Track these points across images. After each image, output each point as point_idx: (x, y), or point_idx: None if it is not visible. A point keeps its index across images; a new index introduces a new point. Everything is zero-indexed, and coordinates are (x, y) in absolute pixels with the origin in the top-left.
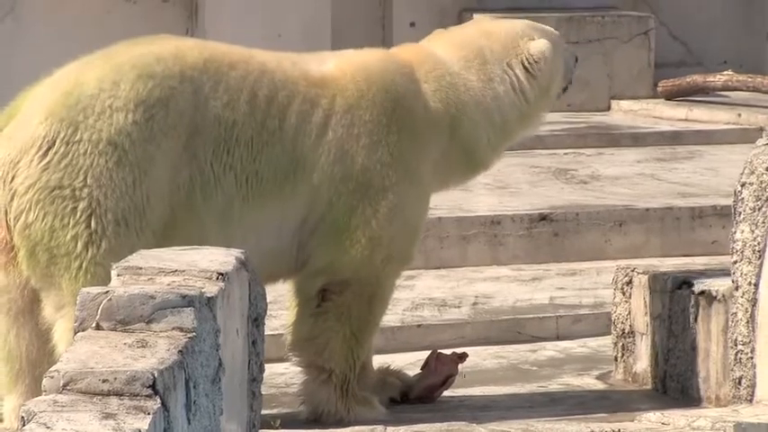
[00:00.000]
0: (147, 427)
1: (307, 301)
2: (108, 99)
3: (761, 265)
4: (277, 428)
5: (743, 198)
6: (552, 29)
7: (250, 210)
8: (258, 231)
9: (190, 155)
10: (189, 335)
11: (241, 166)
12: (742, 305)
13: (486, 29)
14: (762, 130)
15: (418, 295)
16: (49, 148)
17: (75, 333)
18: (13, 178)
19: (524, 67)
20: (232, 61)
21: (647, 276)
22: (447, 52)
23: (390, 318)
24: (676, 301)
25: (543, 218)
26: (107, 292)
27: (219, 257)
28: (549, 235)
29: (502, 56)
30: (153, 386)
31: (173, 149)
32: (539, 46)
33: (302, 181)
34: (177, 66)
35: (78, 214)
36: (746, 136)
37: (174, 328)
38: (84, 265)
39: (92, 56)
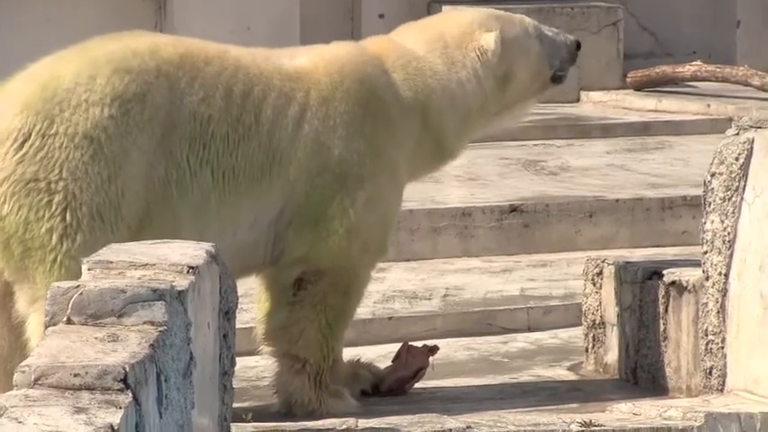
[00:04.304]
0: (118, 422)
1: (282, 290)
2: (84, 93)
3: (731, 256)
4: (249, 422)
5: (713, 188)
6: (523, 17)
7: (227, 204)
8: (234, 225)
9: (166, 150)
10: (160, 329)
11: (218, 161)
12: (712, 295)
13: (447, 15)
14: (731, 120)
15: (389, 287)
16: (24, 141)
17: (46, 327)
18: None
19: (477, 57)
20: (207, 57)
21: (617, 267)
22: (411, 38)
23: (361, 310)
24: (647, 292)
25: (513, 209)
26: (78, 286)
27: (190, 251)
28: (520, 226)
29: (460, 41)
30: (124, 380)
31: (148, 144)
32: (487, 39)
33: (279, 175)
34: (153, 61)
35: (53, 207)
36: (716, 126)
37: (145, 322)
38: (58, 259)
39: (66, 50)
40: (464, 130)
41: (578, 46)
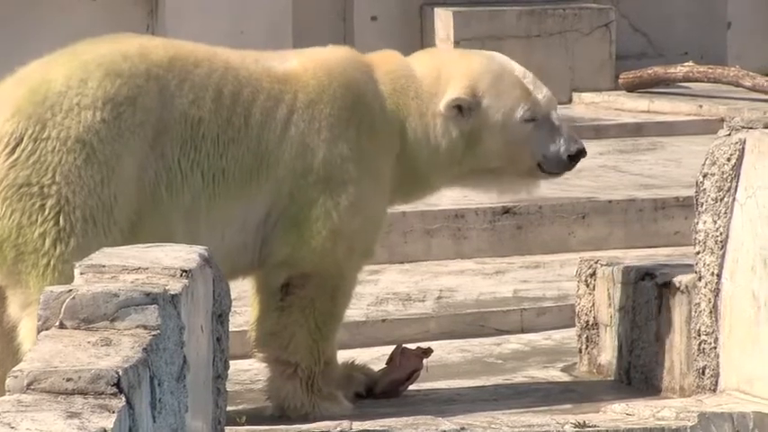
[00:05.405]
0: (112, 426)
1: (270, 295)
2: (76, 97)
3: (723, 256)
4: (242, 425)
5: (705, 189)
6: (534, 94)
7: (216, 206)
8: (224, 227)
9: (157, 153)
10: (153, 332)
11: (208, 163)
12: (705, 296)
13: (464, 54)
14: (723, 120)
15: (382, 290)
16: (16, 146)
17: (39, 332)
18: None
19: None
20: (197, 59)
21: (610, 268)
22: (419, 61)
23: (355, 312)
24: (640, 293)
25: (506, 211)
26: (70, 290)
27: (183, 254)
28: (513, 228)
29: (450, 78)
30: (117, 384)
31: (140, 147)
32: (445, 98)
33: (267, 177)
34: (143, 64)
35: (46, 211)
36: (708, 127)
37: (138, 326)
38: (51, 263)
39: (56, 53)
40: (436, 163)
41: (577, 156)
